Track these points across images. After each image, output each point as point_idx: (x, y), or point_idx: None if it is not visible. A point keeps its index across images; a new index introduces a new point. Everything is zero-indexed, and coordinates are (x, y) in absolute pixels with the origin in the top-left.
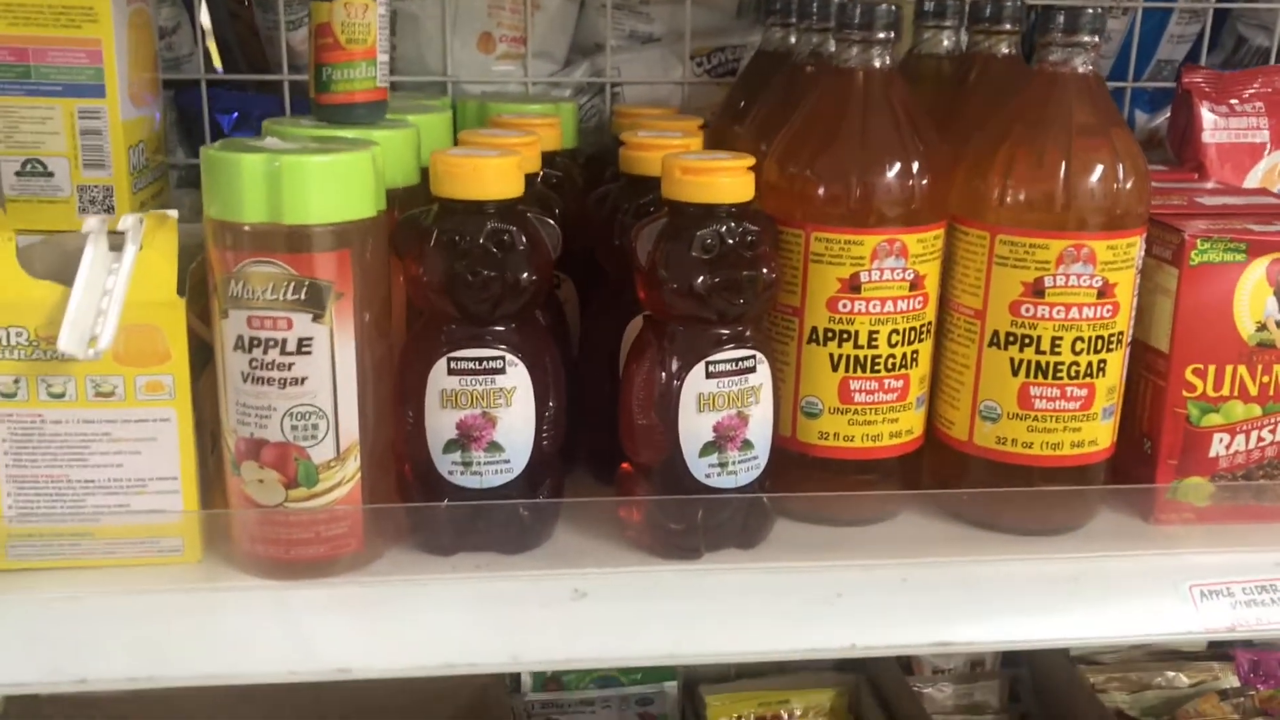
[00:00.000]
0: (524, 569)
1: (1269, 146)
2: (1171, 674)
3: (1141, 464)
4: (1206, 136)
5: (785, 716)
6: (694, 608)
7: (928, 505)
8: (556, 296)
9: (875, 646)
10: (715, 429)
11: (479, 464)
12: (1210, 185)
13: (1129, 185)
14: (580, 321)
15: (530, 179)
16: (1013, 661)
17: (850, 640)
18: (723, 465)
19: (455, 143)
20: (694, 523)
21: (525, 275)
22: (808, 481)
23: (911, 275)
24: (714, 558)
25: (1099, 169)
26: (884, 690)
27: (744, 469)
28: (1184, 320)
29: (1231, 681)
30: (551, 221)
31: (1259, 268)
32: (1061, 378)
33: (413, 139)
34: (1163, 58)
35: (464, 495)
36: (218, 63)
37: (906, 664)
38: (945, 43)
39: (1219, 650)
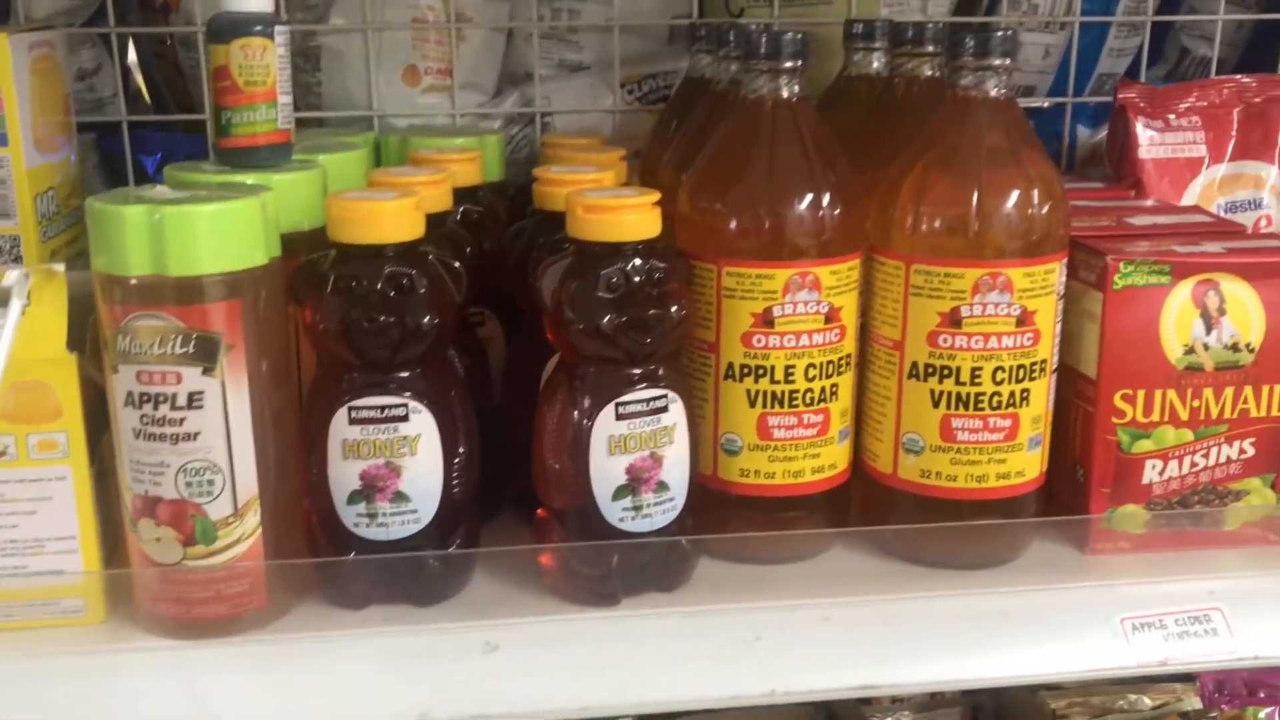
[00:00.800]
0: (434, 622)
1: (1207, 160)
2: (1134, 697)
3: (1075, 492)
4: (1142, 152)
5: None
6: (610, 656)
7: (857, 541)
8: (476, 335)
9: (795, 691)
10: (628, 471)
11: (385, 515)
12: (1147, 203)
13: (1044, 211)
14: (503, 360)
15: (441, 217)
16: (973, 689)
17: (770, 685)
18: (637, 508)
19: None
20: (609, 568)
21: (425, 320)
22: (733, 520)
23: (826, 308)
24: (633, 603)
25: (1011, 195)
26: None
27: (659, 511)
28: (1110, 345)
29: (1194, 703)
30: (456, 263)
31: (1184, 290)
32: (983, 408)
33: (318, 180)
34: (1104, 71)
35: (371, 547)
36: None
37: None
38: (875, 64)
39: (1183, 672)
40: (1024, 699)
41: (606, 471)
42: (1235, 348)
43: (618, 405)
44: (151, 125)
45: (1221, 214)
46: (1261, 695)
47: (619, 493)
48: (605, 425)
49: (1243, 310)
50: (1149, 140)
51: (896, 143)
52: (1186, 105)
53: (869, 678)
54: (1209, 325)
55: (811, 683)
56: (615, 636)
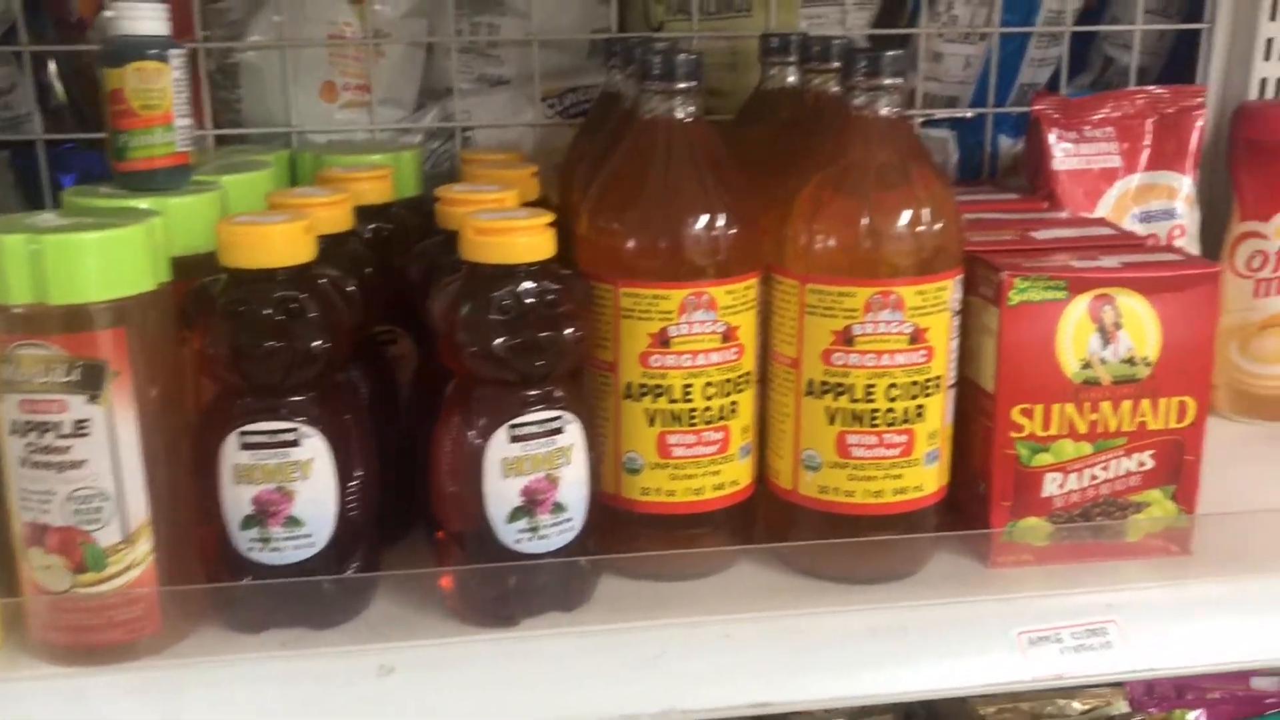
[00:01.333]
0: (331, 645)
1: (1121, 171)
2: (1063, 702)
3: (978, 506)
4: (1056, 164)
5: None
6: (507, 677)
7: (761, 557)
8: (384, 354)
9: (695, 710)
10: (523, 493)
11: (278, 540)
12: (1057, 215)
13: (934, 229)
14: (411, 379)
15: (343, 237)
16: None
17: (670, 703)
18: (533, 530)
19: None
20: (506, 590)
21: (314, 344)
22: (637, 538)
23: (723, 327)
24: (533, 623)
25: (901, 215)
26: None
27: (556, 532)
28: (1007, 360)
29: (1123, 708)
30: (350, 285)
31: (1080, 305)
32: (878, 425)
33: (216, 203)
34: (1026, 81)
35: (266, 572)
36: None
37: None
38: (789, 78)
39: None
40: (955, 705)
41: (501, 494)
42: (1132, 361)
43: (511, 427)
44: (69, 143)
45: (1136, 224)
46: (1189, 697)
47: (514, 514)
48: (499, 447)
49: (1139, 324)
50: (1063, 152)
51: (805, 159)
52: (1100, 116)
53: (767, 694)
54: (1105, 339)
55: (710, 700)
56: (512, 657)
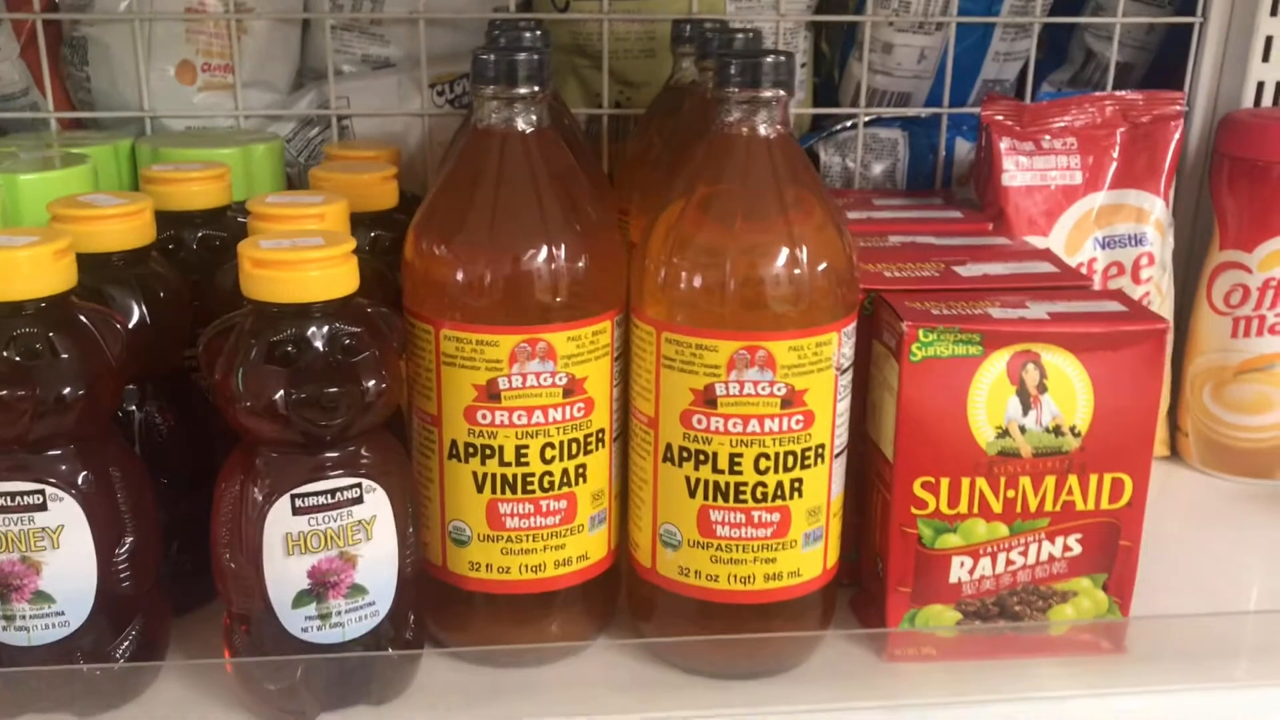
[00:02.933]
0: None
1: (1083, 189)
2: None
3: (879, 585)
4: (1006, 179)
5: None
6: None
7: (620, 636)
8: (196, 386)
9: None
10: (310, 575)
11: (24, 618)
12: (998, 243)
13: (815, 274)
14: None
15: (140, 253)
16: None
17: None
18: (324, 617)
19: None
20: (294, 682)
21: (64, 391)
22: (471, 615)
23: (565, 379)
24: (336, 717)
25: (774, 256)
26: None
27: (354, 619)
28: (908, 424)
29: None
30: (116, 320)
31: (998, 363)
32: (745, 500)
33: None
34: (991, 78)
35: (15, 654)
36: None
37: None
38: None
39: None
40: None
41: (284, 574)
42: (1058, 431)
43: (294, 498)
44: None
45: (1098, 250)
46: None
47: (300, 599)
48: (281, 521)
49: (1067, 387)
50: (1015, 165)
51: (678, 180)
52: (1062, 125)
53: None
54: (1026, 404)
55: None
56: None
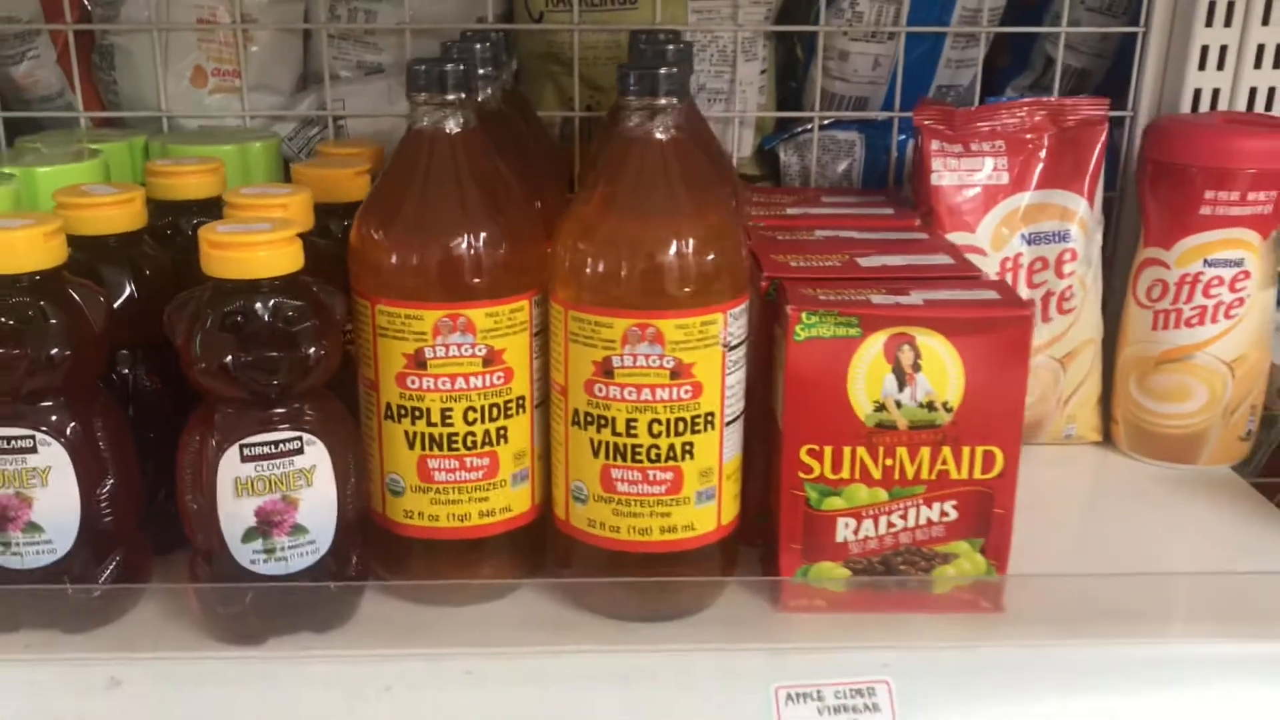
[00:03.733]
0: (68, 653)
1: (1010, 188)
2: None
3: (774, 545)
4: (935, 178)
5: None
6: (239, 695)
7: (546, 588)
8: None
9: None
10: (257, 514)
11: (19, 545)
12: (910, 237)
13: (699, 260)
14: None
15: (134, 235)
16: None
17: None
18: (269, 551)
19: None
20: (244, 608)
21: (50, 352)
22: (408, 558)
23: (484, 351)
24: (281, 643)
25: (661, 244)
26: None
27: (296, 555)
28: (794, 399)
29: None
30: (100, 294)
31: (875, 344)
32: (641, 460)
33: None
34: (945, 83)
35: (10, 576)
36: None
37: None
38: None
39: None
40: None
41: (235, 513)
42: (931, 406)
43: (242, 447)
44: None
45: (1023, 246)
46: None
47: (249, 535)
48: (231, 467)
49: (940, 367)
50: (943, 165)
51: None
52: (990, 128)
53: None
54: (902, 382)
55: None
56: (246, 677)
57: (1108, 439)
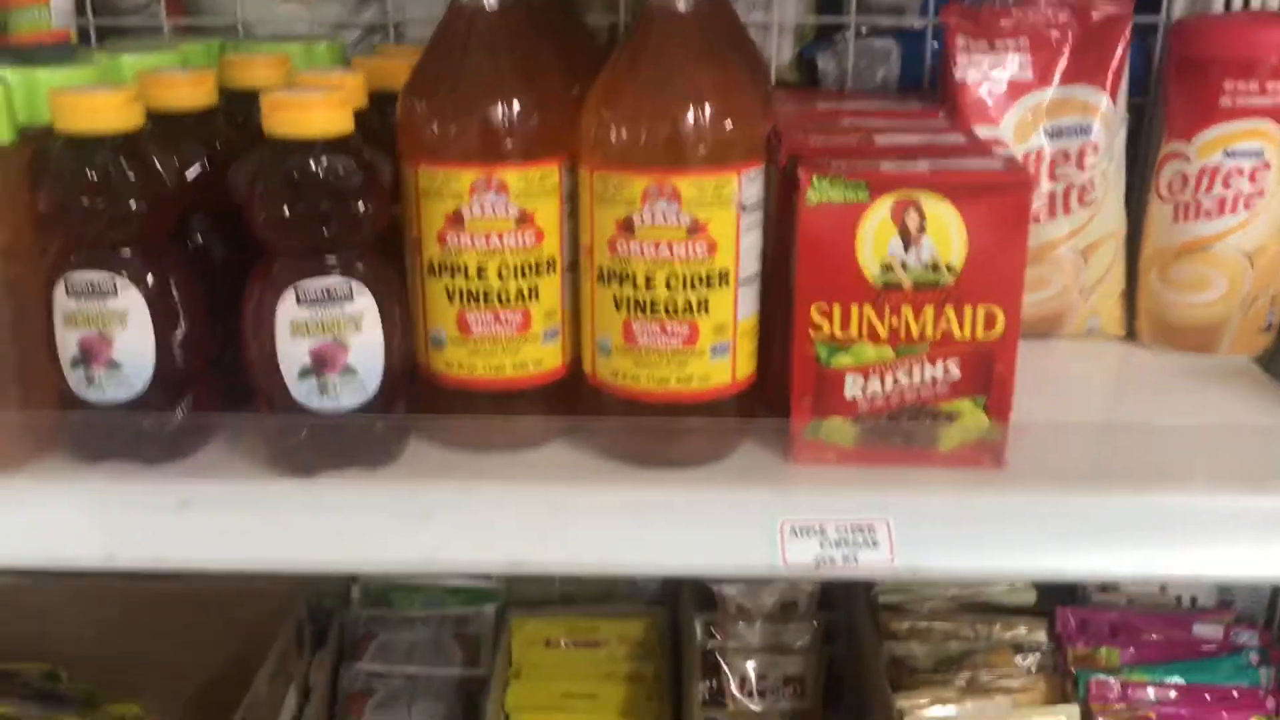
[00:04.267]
0: (142, 480)
1: (1033, 84)
2: (982, 628)
3: (788, 402)
4: (958, 74)
5: (595, 643)
6: (291, 519)
7: (577, 440)
8: None
9: (453, 562)
10: (312, 355)
11: (100, 380)
12: (927, 123)
13: (714, 123)
14: None
15: (207, 114)
16: (828, 605)
17: (431, 555)
18: (322, 389)
19: None
20: (299, 441)
21: (129, 204)
22: (451, 410)
23: (517, 211)
24: (332, 476)
25: (678, 107)
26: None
27: (347, 393)
28: (805, 259)
29: (1039, 637)
30: (173, 158)
31: (882, 207)
32: (659, 315)
33: (88, 77)
34: None
35: (93, 408)
36: None
37: (712, 602)
38: None
39: (1038, 608)
40: (865, 619)
41: (291, 353)
42: (935, 267)
43: (298, 291)
44: None
45: (1044, 139)
46: (1121, 637)
47: (304, 373)
48: (288, 310)
49: (944, 230)
50: (968, 61)
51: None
52: (1014, 25)
53: (518, 555)
54: (907, 243)
55: (468, 556)
56: (301, 502)
57: (1130, 333)
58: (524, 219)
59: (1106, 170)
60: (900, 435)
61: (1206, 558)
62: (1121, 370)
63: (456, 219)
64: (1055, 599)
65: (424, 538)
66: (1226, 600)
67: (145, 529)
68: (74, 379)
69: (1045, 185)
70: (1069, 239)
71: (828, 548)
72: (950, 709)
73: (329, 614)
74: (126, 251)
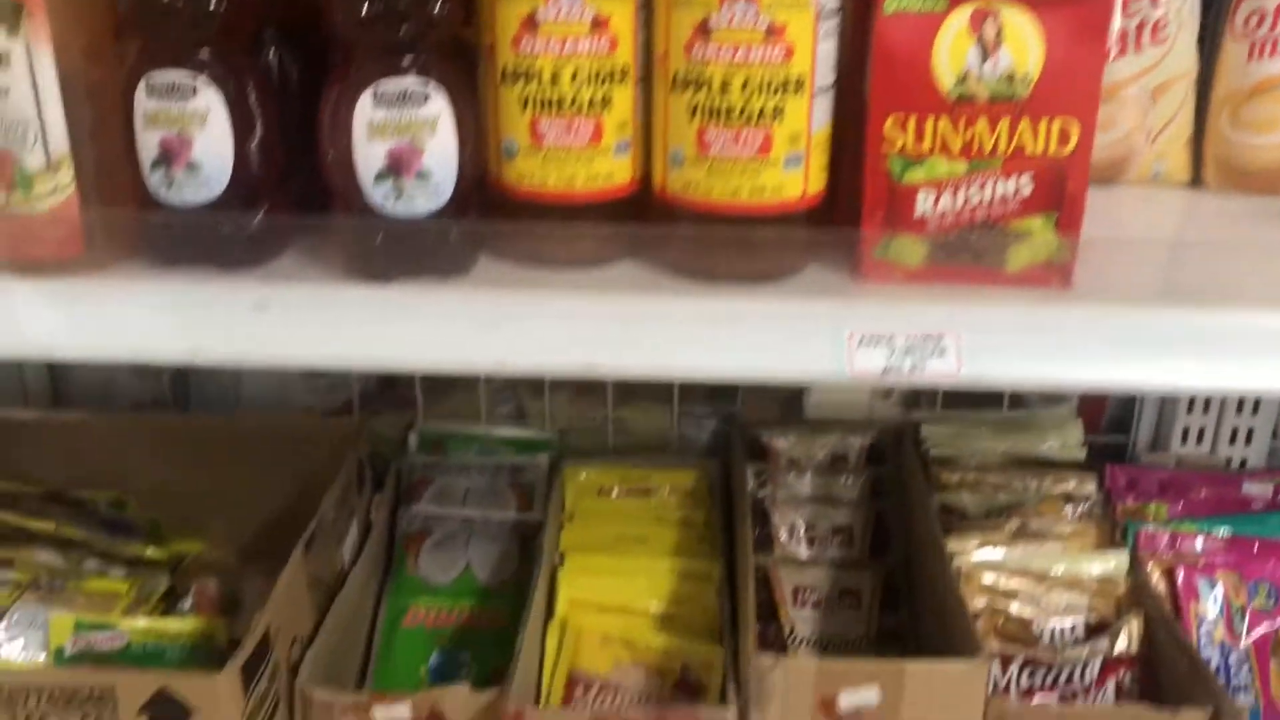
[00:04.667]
0: (221, 282)
1: None
2: (1032, 481)
3: (856, 220)
4: None
5: (647, 491)
6: (363, 320)
7: (645, 258)
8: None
9: (523, 366)
10: (388, 156)
11: (178, 182)
12: None
13: None
14: None
15: None
16: (878, 459)
17: (502, 359)
18: (398, 192)
19: None
20: (375, 246)
21: (208, 4)
22: (518, 222)
23: (592, 15)
24: (407, 284)
25: None
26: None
27: (421, 197)
28: (881, 71)
29: (1088, 490)
30: None
31: (960, 16)
32: (734, 122)
33: None
34: None
35: (174, 210)
36: None
37: (763, 455)
38: None
39: (1089, 465)
40: (914, 472)
41: (368, 155)
42: (1011, 79)
43: (376, 92)
44: None
45: None
46: (1170, 494)
47: (380, 176)
48: (365, 111)
49: (1021, 40)
50: None
51: None
52: None
53: (590, 359)
54: (984, 54)
55: (538, 359)
56: (374, 304)
57: (1196, 182)
58: (599, 23)
59: (1180, 7)
60: (969, 252)
61: (1270, 373)
62: (1189, 216)
63: (531, 23)
64: (1105, 458)
65: (495, 341)
66: (1276, 463)
67: (225, 328)
68: (154, 180)
69: (1118, 20)
70: (1139, 77)
71: (895, 356)
72: (1000, 551)
73: (386, 462)
74: (206, 53)
